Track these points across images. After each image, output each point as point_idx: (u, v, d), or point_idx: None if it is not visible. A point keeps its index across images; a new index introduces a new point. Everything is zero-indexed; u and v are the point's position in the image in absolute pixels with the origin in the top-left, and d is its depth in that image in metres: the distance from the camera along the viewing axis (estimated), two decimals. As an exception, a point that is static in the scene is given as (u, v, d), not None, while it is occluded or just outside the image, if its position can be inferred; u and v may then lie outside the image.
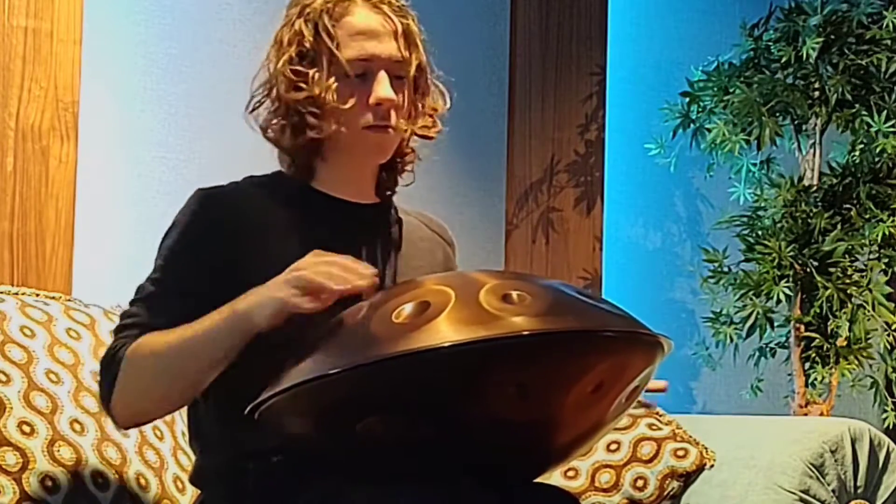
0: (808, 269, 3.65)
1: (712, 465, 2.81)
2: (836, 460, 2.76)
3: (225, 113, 2.95)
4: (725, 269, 3.72)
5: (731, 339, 3.68)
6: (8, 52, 2.77)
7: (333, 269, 1.83)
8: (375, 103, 2.03)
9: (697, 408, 4.02)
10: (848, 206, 3.70)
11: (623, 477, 2.77)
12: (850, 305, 3.63)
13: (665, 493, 2.78)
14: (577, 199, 3.81)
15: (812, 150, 3.75)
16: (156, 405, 2.00)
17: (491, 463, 1.78)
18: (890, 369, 3.66)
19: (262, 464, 1.96)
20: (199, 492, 2.10)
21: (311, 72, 2.03)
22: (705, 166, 3.80)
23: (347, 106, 2.02)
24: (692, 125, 3.77)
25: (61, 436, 2.19)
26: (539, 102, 3.76)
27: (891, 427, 3.64)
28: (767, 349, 3.74)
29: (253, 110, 2.09)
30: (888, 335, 3.65)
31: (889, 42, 3.66)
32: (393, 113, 2.05)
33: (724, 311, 3.70)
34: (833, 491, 2.75)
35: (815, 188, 3.71)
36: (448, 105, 2.15)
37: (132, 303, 2.03)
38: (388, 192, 2.17)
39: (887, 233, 3.59)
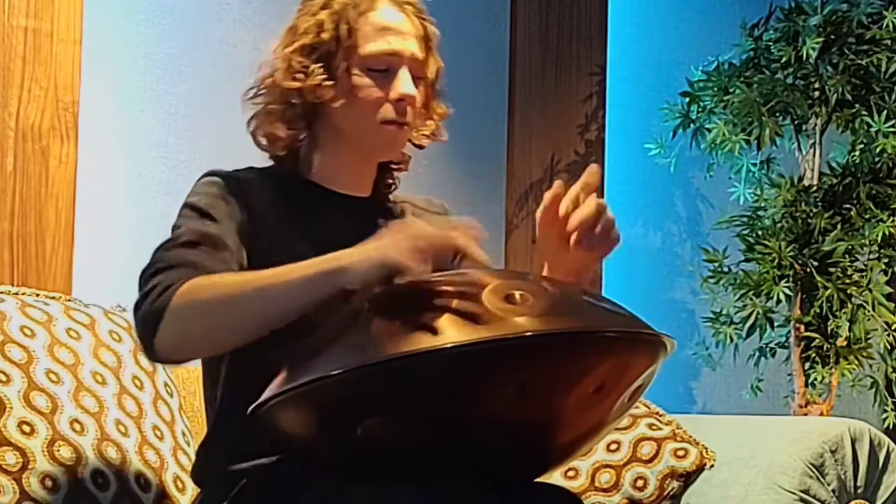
0: (808, 269, 3.65)
1: (712, 465, 2.81)
2: (836, 460, 2.76)
3: (225, 113, 2.95)
4: (725, 269, 3.72)
5: (731, 339, 3.68)
6: (8, 52, 2.77)
7: (439, 229, 1.80)
8: (397, 98, 2.04)
9: (697, 408, 4.02)
10: (848, 206, 3.70)
11: (623, 477, 2.77)
12: (850, 305, 3.63)
13: (665, 493, 2.77)
14: (577, 199, 3.81)
15: (812, 150, 3.75)
16: (211, 344, 1.94)
17: (492, 463, 1.78)
18: (890, 369, 3.66)
19: (262, 464, 1.96)
20: (199, 491, 2.10)
21: (313, 66, 2.03)
22: (705, 166, 3.80)
23: (371, 98, 2.03)
24: (692, 125, 3.78)
25: (61, 436, 2.18)
26: (539, 102, 3.76)
27: (891, 427, 3.65)
28: (767, 349, 3.74)
29: (253, 97, 2.09)
30: (888, 335, 3.66)
31: (889, 42, 3.67)
32: (410, 110, 2.05)
33: (724, 311, 3.70)
34: (833, 491, 2.75)
35: (815, 188, 3.71)
36: (450, 111, 2.17)
37: (165, 248, 1.95)
38: (386, 189, 2.18)
39: (887, 233, 3.59)
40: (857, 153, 3.68)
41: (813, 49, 3.64)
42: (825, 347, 3.65)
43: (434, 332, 1.67)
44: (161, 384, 2.44)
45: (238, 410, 1.88)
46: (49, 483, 2.13)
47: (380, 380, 1.70)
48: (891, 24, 3.64)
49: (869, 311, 3.61)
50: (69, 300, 2.47)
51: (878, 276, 3.66)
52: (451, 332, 1.67)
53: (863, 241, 3.64)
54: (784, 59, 3.70)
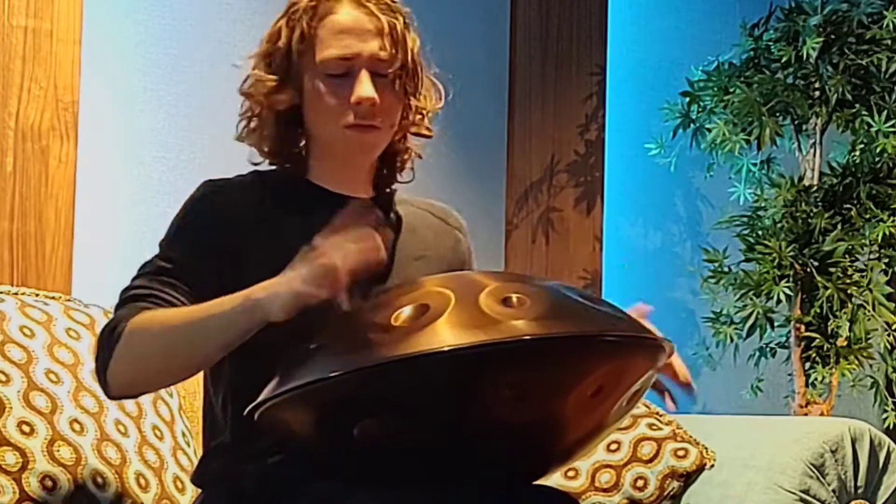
0: (809, 269, 3.65)
1: (712, 465, 2.81)
2: (836, 460, 2.76)
3: (225, 113, 2.94)
4: (725, 269, 3.72)
5: (731, 339, 3.68)
6: (8, 51, 2.77)
7: (348, 247, 1.81)
8: (356, 102, 2.03)
9: (697, 408, 4.01)
10: (848, 206, 3.70)
11: (623, 477, 2.77)
12: (850, 305, 3.63)
13: (665, 493, 2.77)
14: (577, 199, 3.81)
15: (812, 150, 3.75)
16: (153, 378, 1.99)
17: (489, 466, 1.78)
18: (890, 369, 3.66)
19: (261, 465, 1.96)
20: (199, 491, 2.10)
21: (267, 74, 2.05)
22: (705, 166, 3.80)
23: (331, 105, 2.03)
24: (692, 125, 3.77)
25: (61, 436, 2.18)
26: (539, 102, 3.76)
27: (891, 427, 3.65)
28: (767, 349, 3.74)
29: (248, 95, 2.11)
30: (888, 335, 3.65)
31: (889, 42, 3.67)
32: (376, 112, 2.05)
33: (724, 311, 3.70)
34: (833, 491, 2.75)
35: (815, 188, 3.71)
36: (442, 103, 2.15)
37: (136, 277, 2.03)
38: (387, 189, 2.17)
39: (887, 233, 3.59)
40: (858, 153, 3.68)
41: (813, 49, 3.64)
42: (825, 347, 3.65)
43: (431, 334, 1.67)
44: (161, 384, 2.43)
45: (242, 413, 1.88)
46: (49, 483, 2.13)
47: (377, 382, 1.69)
48: (891, 24, 3.64)
49: (869, 311, 3.61)
50: (69, 300, 2.47)
51: (878, 276, 3.66)
52: (447, 335, 1.67)
53: (863, 241, 3.64)
54: (784, 59, 3.70)
